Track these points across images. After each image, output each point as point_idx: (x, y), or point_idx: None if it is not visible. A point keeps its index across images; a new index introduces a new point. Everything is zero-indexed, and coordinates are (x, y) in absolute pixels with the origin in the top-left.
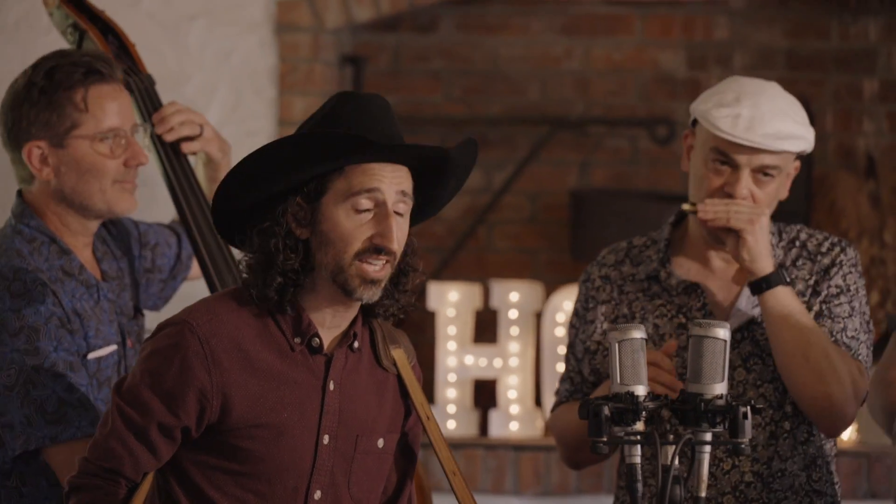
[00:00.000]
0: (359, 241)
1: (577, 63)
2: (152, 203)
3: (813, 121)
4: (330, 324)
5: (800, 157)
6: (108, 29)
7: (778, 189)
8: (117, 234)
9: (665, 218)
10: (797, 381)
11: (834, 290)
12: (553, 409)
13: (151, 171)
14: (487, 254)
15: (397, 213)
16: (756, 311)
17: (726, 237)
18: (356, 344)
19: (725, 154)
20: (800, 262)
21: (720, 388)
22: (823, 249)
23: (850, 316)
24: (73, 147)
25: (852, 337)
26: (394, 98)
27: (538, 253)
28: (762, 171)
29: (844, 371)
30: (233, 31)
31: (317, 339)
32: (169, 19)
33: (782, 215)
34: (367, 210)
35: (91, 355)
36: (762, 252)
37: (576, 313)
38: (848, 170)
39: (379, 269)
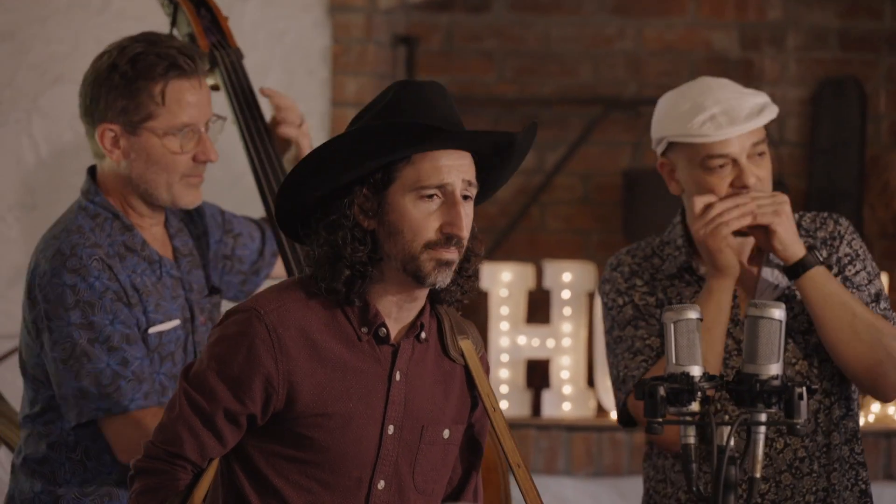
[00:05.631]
0: (429, 231)
1: (630, 43)
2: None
3: (866, 101)
4: (396, 315)
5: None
6: (201, 2)
7: (769, 164)
8: (197, 215)
9: None
10: (849, 356)
11: (845, 260)
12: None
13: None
14: (540, 234)
15: (463, 198)
16: (781, 285)
17: (754, 233)
18: (423, 335)
19: (722, 155)
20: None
21: (776, 369)
22: (818, 224)
23: (871, 282)
24: (145, 137)
25: (881, 301)
26: (446, 78)
27: (591, 233)
28: (756, 153)
29: (890, 337)
30: (286, 11)
31: (384, 329)
32: (223, 0)
33: (837, 196)
34: (435, 196)
35: (151, 330)
36: (793, 239)
37: (626, 318)
38: None
39: (451, 253)
